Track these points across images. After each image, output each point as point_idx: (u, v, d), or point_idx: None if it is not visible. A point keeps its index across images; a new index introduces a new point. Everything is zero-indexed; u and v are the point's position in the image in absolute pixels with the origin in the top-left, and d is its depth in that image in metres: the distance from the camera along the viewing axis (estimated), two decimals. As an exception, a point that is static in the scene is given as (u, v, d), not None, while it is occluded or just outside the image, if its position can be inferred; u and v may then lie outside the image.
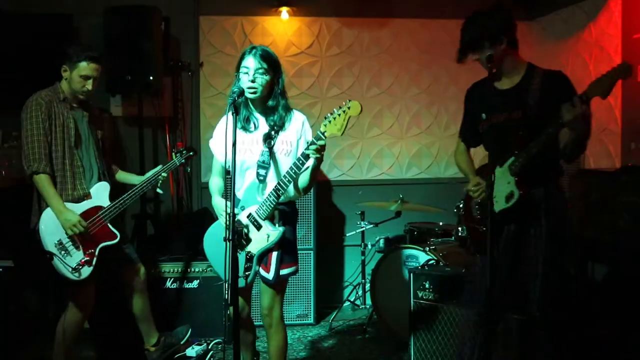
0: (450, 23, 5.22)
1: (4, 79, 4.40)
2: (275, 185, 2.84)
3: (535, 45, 5.39)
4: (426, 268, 3.92)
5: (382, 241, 4.77)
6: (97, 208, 3.44)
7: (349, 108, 2.67)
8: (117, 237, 3.46)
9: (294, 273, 3.03)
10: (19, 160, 3.40)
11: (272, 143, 2.92)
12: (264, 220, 2.90)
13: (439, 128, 5.41)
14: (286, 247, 2.98)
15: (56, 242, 3.31)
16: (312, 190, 4.64)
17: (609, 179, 3.97)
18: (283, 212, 2.98)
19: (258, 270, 2.95)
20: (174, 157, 3.79)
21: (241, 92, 2.82)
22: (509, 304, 2.90)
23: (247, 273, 2.90)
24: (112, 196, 3.52)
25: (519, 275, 2.84)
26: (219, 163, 3.12)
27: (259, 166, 2.90)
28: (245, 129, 2.96)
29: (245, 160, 2.96)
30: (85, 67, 3.36)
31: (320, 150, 2.70)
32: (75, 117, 3.45)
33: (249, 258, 2.90)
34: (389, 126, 5.39)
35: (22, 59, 4.39)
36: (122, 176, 3.84)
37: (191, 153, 3.85)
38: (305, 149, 2.74)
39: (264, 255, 2.94)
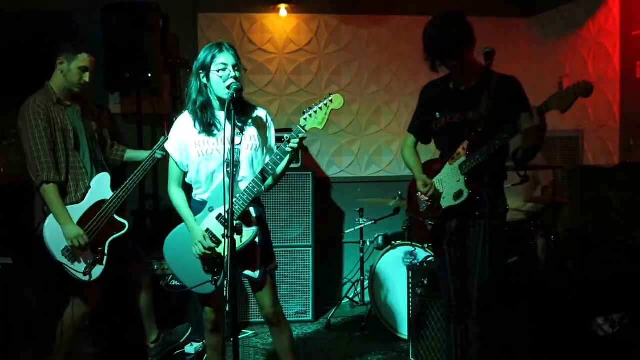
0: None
1: (2, 78, 4.39)
2: (251, 183, 2.77)
3: (533, 42, 5.40)
4: (425, 265, 3.93)
5: (380, 238, 4.77)
6: (101, 202, 3.41)
7: (330, 101, 2.67)
8: (125, 226, 3.43)
9: (276, 268, 3.03)
10: (17, 157, 3.40)
11: (241, 139, 2.84)
12: (236, 220, 2.76)
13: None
14: (266, 245, 2.96)
15: (63, 248, 3.29)
16: (310, 187, 4.66)
17: (607, 175, 3.98)
18: (258, 212, 2.93)
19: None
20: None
21: (240, 89, 2.69)
22: (452, 302, 2.99)
23: (215, 277, 2.82)
24: (114, 184, 3.48)
25: (460, 272, 2.94)
26: (176, 166, 2.96)
27: (229, 164, 2.77)
28: (208, 133, 2.83)
29: (212, 162, 2.86)
30: (85, 58, 3.37)
31: (301, 145, 2.70)
32: (70, 116, 3.43)
33: (219, 262, 2.82)
34: (387, 123, 5.39)
35: (20, 57, 4.38)
36: (130, 154, 3.79)
37: None
38: (284, 145, 2.70)
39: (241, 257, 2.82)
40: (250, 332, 4.48)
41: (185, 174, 2.99)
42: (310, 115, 2.69)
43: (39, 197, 3.40)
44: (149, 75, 4.47)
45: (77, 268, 3.29)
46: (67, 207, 3.33)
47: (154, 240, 4.57)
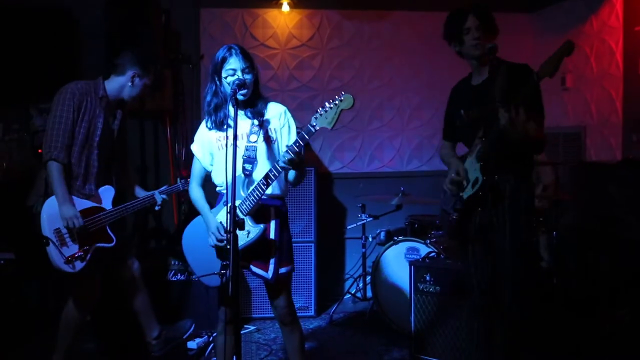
0: (451, 15, 5.22)
1: (3, 73, 4.40)
2: (262, 179, 2.77)
3: (536, 37, 5.39)
4: (427, 260, 3.93)
5: (382, 234, 4.77)
6: (99, 209, 3.45)
7: (341, 101, 2.64)
8: (113, 241, 3.46)
9: (291, 272, 2.99)
10: (19, 153, 3.41)
11: (258, 136, 2.88)
12: (245, 215, 2.81)
13: (440, 120, 5.33)
14: (285, 246, 2.95)
15: (55, 229, 3.31)
16: (312, 183, 4.65)
17: (609, 171, 3.97)
18: (277, 210, 2.94)
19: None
20: (178, 181, 3.82)
21: (241, 84, 2.75)
22: (483, 293, 2.94)
23: (222, 271, 2.82)
24: (115, 201, 3.53)
25: (488, 262, 2.90)
26: (199, 165, 3.04)
27: (245, 160, 2.85)
28: (221, 129, 2.89)
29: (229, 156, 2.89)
30: (151, 77, 3.54)
31: (294, 163, 2.67)
32: (107, 117, 3.48)
33: (226, 256, 2.79)
34: (389, 119, 5.38)
35: (22, 53, 4.38)
36: (136, 191, 3.83)
37: None
38: (281, 160, 2.69)
39: (247, 253, 2.83)
40: (253, 328, 4.49)
41: (208, 174, 3.04)
42: (320, 115, 2.66)
43: (44, 180, 3.40)
44: (151, 71, 4.47)
45: (65, 252, 3.30)
46: (72, 197, 3.35)
47: (156, 237, 4.60)
